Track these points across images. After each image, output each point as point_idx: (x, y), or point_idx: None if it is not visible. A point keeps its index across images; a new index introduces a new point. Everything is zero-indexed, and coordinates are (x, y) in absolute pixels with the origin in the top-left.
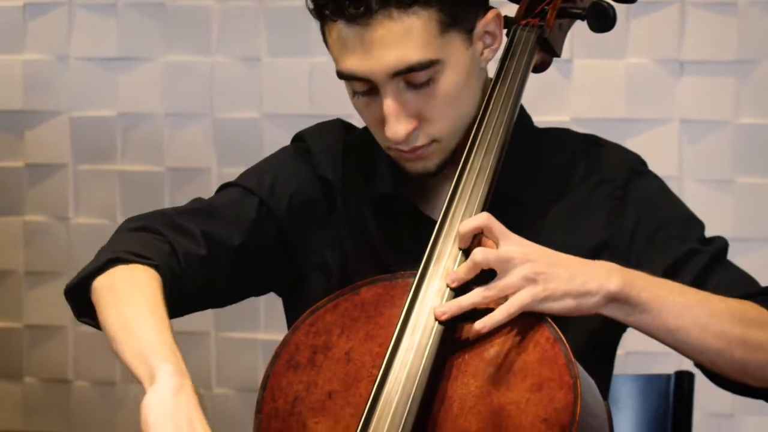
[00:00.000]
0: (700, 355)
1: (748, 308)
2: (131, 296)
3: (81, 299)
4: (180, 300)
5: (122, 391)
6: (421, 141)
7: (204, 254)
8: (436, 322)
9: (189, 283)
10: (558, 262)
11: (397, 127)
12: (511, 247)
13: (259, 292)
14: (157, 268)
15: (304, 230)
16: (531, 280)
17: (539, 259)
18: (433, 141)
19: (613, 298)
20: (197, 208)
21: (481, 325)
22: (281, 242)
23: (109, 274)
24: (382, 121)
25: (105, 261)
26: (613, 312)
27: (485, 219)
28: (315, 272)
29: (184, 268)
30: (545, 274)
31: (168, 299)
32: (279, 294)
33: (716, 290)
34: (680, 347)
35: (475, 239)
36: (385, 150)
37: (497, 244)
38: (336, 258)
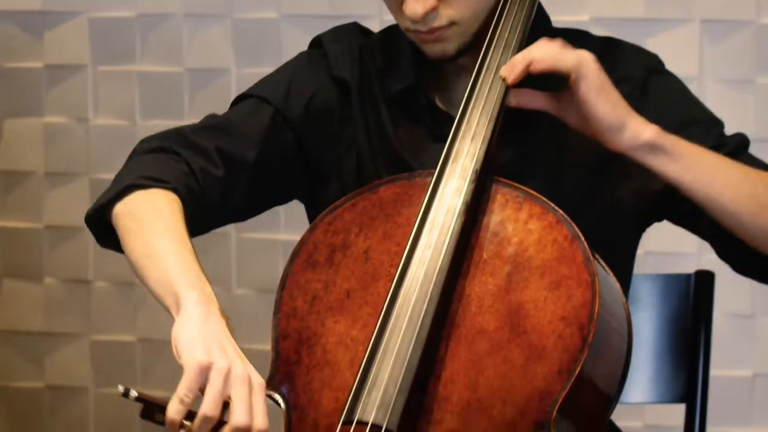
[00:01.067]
0: (732, 217)
1: None
2: (152, 223)
3: (102, 226)
4: (200, 219)
5: (142, 291)
6: (439, 22)
7: (220, 172)
8: (454, 221)
9: (207, 202)
10: (610, 83)
11: (416, 5)
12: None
13: (282, 201)
14: (175, 191)
15: (321, 135)
16: (575, 59)
17: (595, 66)
18: (452, 23)
19: (649, 144)
20: (212, 124)
21: (509, 68)
22: (299, 149)
23: (129, 201)
24: (402, 3)
25: (124, 187)
26: (648, 159)
27: (551, 52)
28: (333, 176)
29: (203, 187)
30: (592, 71)
31: (188, 220)
32: (300, 200)
33: None
34: (713, 207)
35: None
36: (405, 32)
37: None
38: (353, 161)
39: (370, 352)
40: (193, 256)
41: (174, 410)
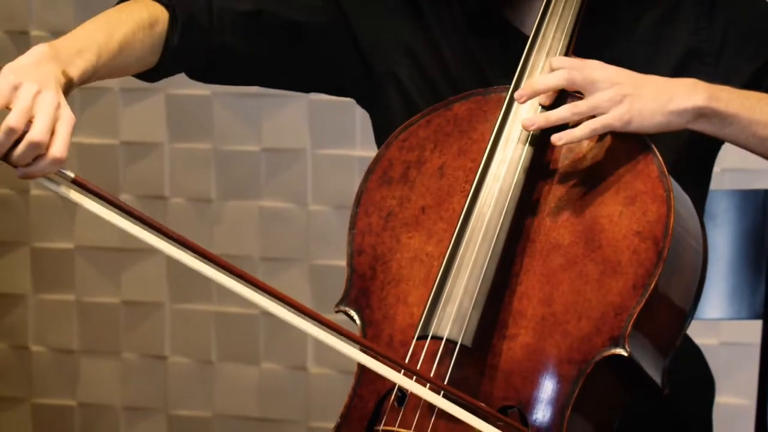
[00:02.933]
0: None
1: None
2: (104, 16)
3: None
4: (210, 55)
5: (218, 207)
6: None
7: (244, 11)
8: (528, 137)
9: (220, 39)
10: (643, 83)
11: None
12: (596, 72)
13: (329, 88)
14: (168, 8)
15: (378, 35)
16: (617, 102)
17: (624, 81)
18: None
19: (701, 113)
20: None
21: (558, 137)
22: (354, 43)
23: (121, 5)
24: None
25: None
26: (702, 126)
27: (565, 77)
28: (392, 82)
29: (215, 23)
30: (632, 96)
31: (182, 46)
32: (359, 102)
33: None
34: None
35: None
36: None
37: (583, 90)
38: (416, 68)
39: (445, 266)
40: (100, 39)
41: None
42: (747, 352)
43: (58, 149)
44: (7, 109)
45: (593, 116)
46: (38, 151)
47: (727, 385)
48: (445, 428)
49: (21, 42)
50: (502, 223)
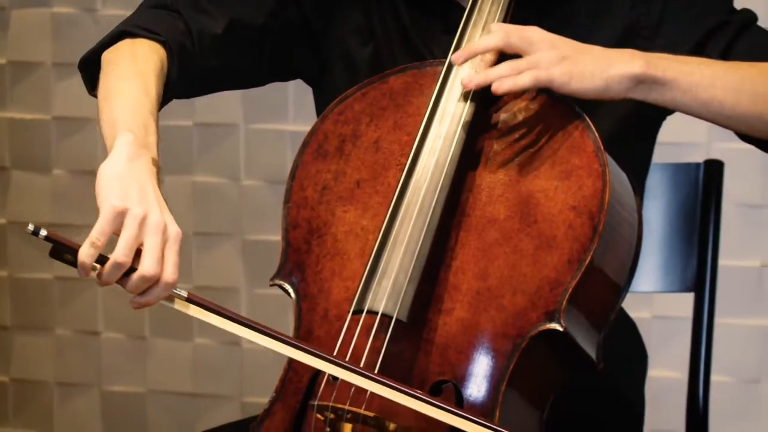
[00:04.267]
0: (740, 124)
1: None
2: (123, 67)
3: (93, 73)
4: (195, 78)
5: None
6: None
7: (219, 33)
8: (465, 110)
9: (202, 62)
10: (582, 49)
11: None
12: (535, 35)
13: (285, 76)
14: (164, 43)
15: (330, 16)
16: (557, 62)
17: (563, 45)
18: None
19: (640, 80)
20: None
21: (499, 83)
22: (305, 27)
23: (115, 48)
24: None
25: (115, 34)
26: (642, 94)
27: (502, 37)
28: (341, 61)
29: (197, 46)
30: (571, 58)
31: (178, 77)
32: (308, 82)
33: (747, 57)
34: (719, 119)
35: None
36: None
37: (522, 51)
38: (363, 47)
39: (380, 241)
40: (149, 103)
41: (85, 254)
42: (679, 326)
43: (169, 275)
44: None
45: None
46: (151, 282)
47: (660, 358)
48: (379, 401)
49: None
50: (437, 198)
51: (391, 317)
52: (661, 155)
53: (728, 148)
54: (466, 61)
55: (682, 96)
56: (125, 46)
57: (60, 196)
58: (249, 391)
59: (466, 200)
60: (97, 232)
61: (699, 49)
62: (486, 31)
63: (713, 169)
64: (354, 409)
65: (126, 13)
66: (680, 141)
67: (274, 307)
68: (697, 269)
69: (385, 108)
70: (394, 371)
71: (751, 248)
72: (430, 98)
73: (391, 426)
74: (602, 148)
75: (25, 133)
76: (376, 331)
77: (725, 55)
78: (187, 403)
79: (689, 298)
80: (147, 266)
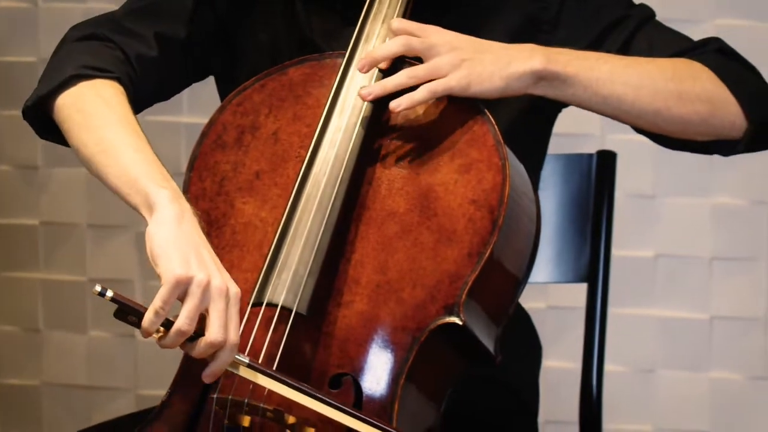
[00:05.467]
0: (639, 119)
1: (680, 64)
2: (102, 116)
3: (42, 118)
4: (137, 104)
5: (45, 174)
6: None
7: (156, 55)
8: (364, 103)
9: (145, 87)
10: (482, 48)
11: None
12: (435, 36)
13: (201, 78)
14: (119, 80)
15: (239, 14)
16: (456, 66)
17: (464, 46)
18: None
19: (540, 76)
20: (141, 7)
21: (397, 103)
22: (221, 29)
23: (73, 93)
24: None
25: (66, 78)
26: (543, 90)
27: (403, 43)
28: (246, 55)
29: (139, 73)
30: (471, 60)
31: (133, 107)
32: (215, 77)
33: (647, 52)
34: (618, 114)
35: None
36: None
37: (422, 55)
38: (267, 41)
39: (279, 233)
40: (151, 151)
41: (149, 321)
42: (573, 316)
43: (234, 337)
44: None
45: (431, 81)
46: (218, 348)
47: (555, 348)
48: (278, 395)
49: None
50: (337, 191)
51: (291, 310)
52: (554, 146)
53: (621, 140)
54: (369, 69)
55: (583, 92)
56: (87, 89)
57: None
58: (144, 383)
59: (366, 193)
60: (162, 302)
61: (598, 43)
62: (386, 26)
63: (606, 160)
64: (253, 402)
65: None
66: (574, 132)
67: None
68: (591, 260)
69: (284, 99)
70: (293, 364)
71: (644, 239)
72: (330, 90)
73: (290, 419)
74: (502, 141)
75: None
76: (275, 323)
77: (624, 49)
78: (83, 396)
79: (583, 288)
80: (215, 334)
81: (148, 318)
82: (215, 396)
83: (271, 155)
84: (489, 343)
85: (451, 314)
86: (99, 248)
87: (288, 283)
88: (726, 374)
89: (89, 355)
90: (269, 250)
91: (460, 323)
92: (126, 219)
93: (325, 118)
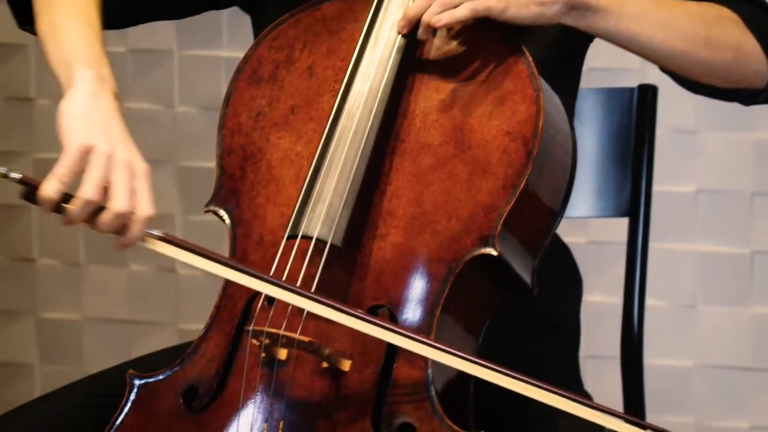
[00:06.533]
0: (665, 60)
1: (710, 9)
2: (61, 4)
3: (22, 5)
4: (129, 8)
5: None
6: None
7: None
8: (399, 36)
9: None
10: None
11: None
12: None
13: (220, 4)
14: None
15: None
16: None
17: None
18: None
19: (572, 5)
20: None
21: (437, 18)
22: None
23: None
24: None
25: None
26: (573, 20)
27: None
28: None
29: None
30: None
31: (114, 6)
32: (244, 9)
33: None
34: (646, 52)
35: None
36: None
37: None
38: None
39: (314, 166)
40: (97, 38)
41: (49, 188)
42: (614, 250)
43: (146, 208)
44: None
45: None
46: (125, 219)
47: (595, 283)
48: (314, 326)
49: None
50: (371, 123)
51: (326, 242)
52: (595, 80)
53: (662, 74)
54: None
55: (614, 25)
56: None
57: None
58: (184, 317)
59: (400, 126)
60: (63, 168)
61: None
62: None
63: (647, 94)
64: (289, 333)
65: None
66: (615, 66)
67: (208, 233)
68: (632, 194)
69: (319, 34)
70: (329, 296)
71: (685, 174)
72: (364, 24)
73: (327, 351)
74: (536, 73)
75: None
76: (310, 256)
77: None
78: (123, 330)
79: (624, 223)
80: (118, 202)
81: (47, 184)
82: (250, 328)
83: (306, 90)
84: (525, 275)
85: (486, 245)
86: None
87: (323, 216)
88: (767, 309)
89: (130, 289)
90: (304, 183)
91: (495, 254)
92: (164, 153)
93: (359, 51)
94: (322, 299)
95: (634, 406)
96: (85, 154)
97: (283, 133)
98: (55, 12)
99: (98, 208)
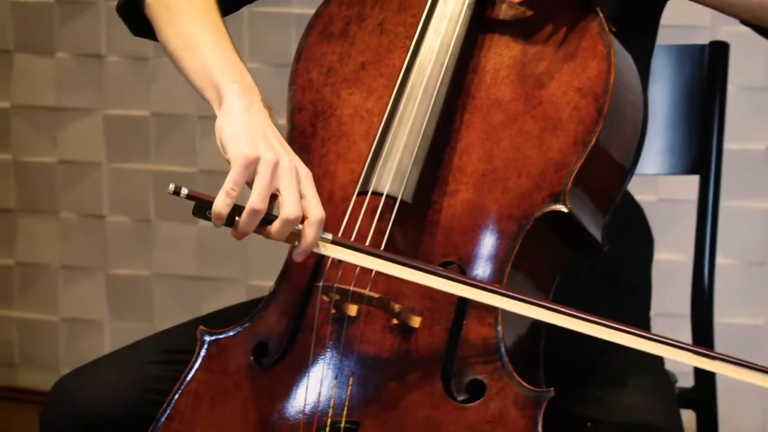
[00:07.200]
0: (743, 13)
1: None
2: (185, 11)
3: (134, 15)
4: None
5: (155, 65)
6: None
7: None
8: None
9: None
10: None
11: None
12: None
13: None
14: None
15: None
16: None
17: None
18: None
19: None
20: None
21: None
22: None
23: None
24: None
25: None
26: None
27: None
28: None
29: None
30: None
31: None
32: None
33: None
34: (722, 7)
35: None
36: None
37: None
38: None
39: (385, 122)
40: (230, 45)
41: (221, 203)
42: (684, 208)
43: (317, 212)
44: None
45: None
46: (296, 224)
47: (666, 241)
48: (384, 282)
49: None
50: (442, 79)
51: (396, 198)
52: (666, 37)
53: (733, 31)
54: None
55: None
56: None
57: (64, 80)
58: (254, 274)
59: (471, 82)
60: (232, 182)
61: None
62: None
63: (718, 51)
64: (359, 290)
65: None
66: (686, 23)
67: None
68: (703, 151)
69: None
70: (398, 252)
71: (756, 131)
72: None
73: (396, 307)
74: (607, 29)
75: (28, 14)
76: (380, 212)
77: None
78: (193, 286)
79: (694, 180)
80: (289, 209)
81: (219, 199)
82: (321, 284)
83: (377, 46)
84: (596, 232)
85: (556, 202)
86: (207, 140)
87: (393, 172)
88: None
89: (200, 246)
90: (374, 139)
91: (566, 211)
92: None
93: (430, 7)
94: (393, 257)
95: None
96: (252, 165)
97: (353, 89)
98: (182, 22)
99: (269, 218)
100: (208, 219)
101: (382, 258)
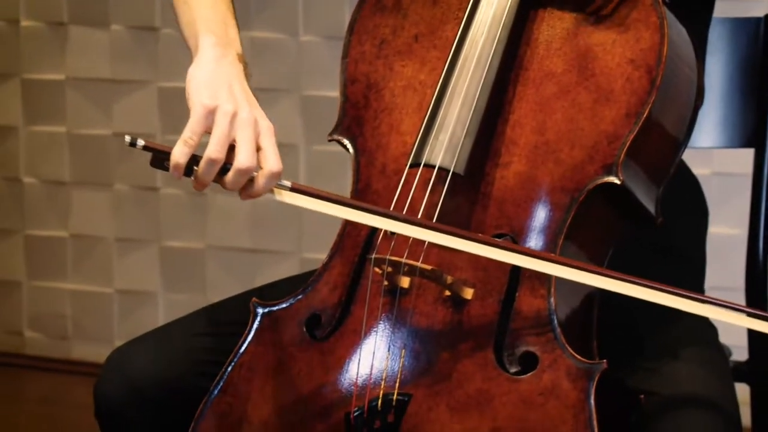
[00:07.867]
0: None
1: None
2: None
3: None
4: None
5: None
6: None
7: None
8: None
9: None
10: None
11: None
12: None
13: None
14: None
15: None
16: None
17: None
18: None
19: None
20: None
21: None
22: None
23: None
24: None
25: None
26: None
27: None
28: None
29: None
30: None
31: None
32: None
33: None
34: None
35: None
36: None
37: None
38: None
39: (437, 94)
40: (225, 4)
41: (178, 152)
42: (739, 182)
43: (273, 164)
44: (207, 133)
45: None
46: (249, 175)
47: (720, 214)
48: (437, 254)
49: None
50: (494, 51)
51: (448, 170)
52: (722, 10)
53: None
54: None
55: None
56: None
57: (118, 52)
58: (307, 246)
59: (524, 54)
60: (189, 131)
61: None
62: None
63: None
64: (411, 262)
65: None
66: None
67: (332, 162)
68: (758, 125)
69: None
70: (451, 224)
71: None
72: None
73: (449, 279)
74: (660, 1)
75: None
76: (433, 184)
77: None
78: (246, 259)
79: (749, 154)
80: (242, 159)
81: (176, 149)
82: (373, 257)
83: (430, 18)
84: (649, 204)
85: (609, 174)
86: (263, 108)
87: (446, 144)
88: None
89: (253, 219)
90: (427, 111)
91: (619, 183)
92: (288, 83)
93: None
94: (444, 228)
95: (757, 337)
96: (210, 115)
97: (406, 62)
98: None
99: (227, 168)
100: (167, 169)
101: (419, 226)
